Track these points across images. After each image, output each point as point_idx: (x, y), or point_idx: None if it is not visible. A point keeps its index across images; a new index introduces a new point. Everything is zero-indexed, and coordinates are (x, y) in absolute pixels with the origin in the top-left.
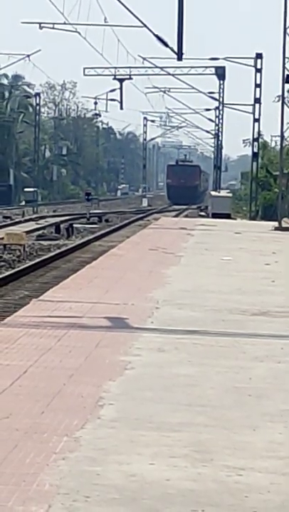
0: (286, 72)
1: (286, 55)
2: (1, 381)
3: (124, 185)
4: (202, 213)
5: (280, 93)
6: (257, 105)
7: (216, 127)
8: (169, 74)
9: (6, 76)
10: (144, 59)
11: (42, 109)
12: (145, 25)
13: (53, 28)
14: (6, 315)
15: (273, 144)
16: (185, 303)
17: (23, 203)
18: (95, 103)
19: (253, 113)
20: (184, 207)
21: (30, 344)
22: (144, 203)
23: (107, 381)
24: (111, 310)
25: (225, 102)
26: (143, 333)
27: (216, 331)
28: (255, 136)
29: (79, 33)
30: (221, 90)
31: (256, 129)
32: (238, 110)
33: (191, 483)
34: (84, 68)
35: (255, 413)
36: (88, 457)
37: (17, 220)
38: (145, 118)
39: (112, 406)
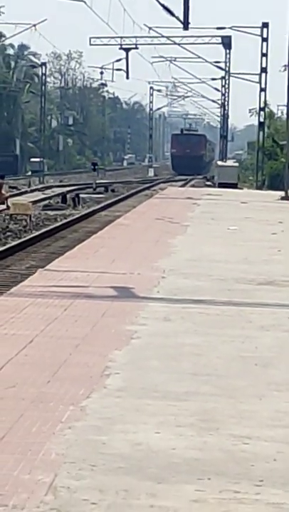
0: None
1: None
2: (7, 350)
3: (130, 155)
4: (208, 183)
5: (287, 62)
6: (263, 74)
7: (222, 97)
8: (175, 43)
9: (12, 46)
10: (150, 28)
11: (48, 79)
12: None
13: None
14: (12, 285)
15: (280, 114)
16: (191, 272)
17: (30, 173)
18: (101, 73)
19: (260, 82)
20: (191, 177)
21: (36, 314)
22: (151, 172)
23: (113, 350)
24: (117, 280)
25: (231, 71)
26: (149, 302)
27: (222, 301)
28: (262, 105)
29: (85, 3)
30: (227, 60)
31: (262, 99)
32: (245, 80)
33: (197, 452)
34: (90, 38)
35: (261, 382)
36: (94, 426)
37: (23, 190)
38: (151, 88)
39: (118, 375)
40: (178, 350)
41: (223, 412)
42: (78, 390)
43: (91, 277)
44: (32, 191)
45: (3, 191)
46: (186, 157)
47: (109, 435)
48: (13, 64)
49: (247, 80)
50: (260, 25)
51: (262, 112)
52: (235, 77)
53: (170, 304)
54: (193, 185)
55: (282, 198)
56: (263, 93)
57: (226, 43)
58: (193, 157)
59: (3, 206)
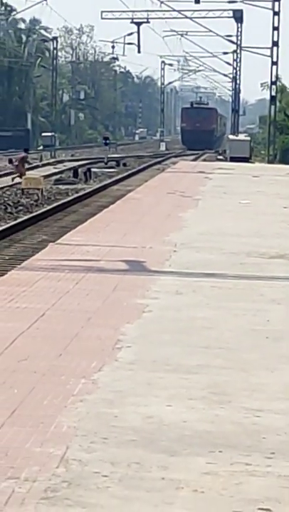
0: None
1: None
2: (19, 324)
3: (141, 130)
4: (220, 157)
5: None
6: (275, 48)
7: (234, 71)
8: (187, 17)
9: (23, 20)
10: (161, 2)
11: (59, 54)
12: None
13: None
14: (24, 259)
15: None
16: (203, 246)
17: (41, 147)
18: (113, 47)
19: (271, 56)
20: (202, 151)
21: (47, 287)
22: (162, 147)
23: (124, 324)
24: (128, 253)
25: (243, 45)
26: (160, 276)
27: (234, 274)
28: (273, 79)
29: None
30: (239, 33)
31: (274, 73)
32: (256, 53)
33: (209, 425)
34: (101, 12)
35: (273, 355)
36: (106, 399)
37: (35, 164)
38: (163, 62)
39: (129, 348)
40: (189, 323)
41: (235, 385)
42: (90, 363)
43: (102, 251)
44: (43, 165)
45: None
46: (196, 131)
47: (120, 408)
48: (24, 38)
49: (258, 53)
50: None
51: (273, 86)
52: (247, 50)
53: (181, 277)
54: (204, 160)
55: None
56: (274, 67)
57: (238, 16)
58: (203, 131)
59: (20, 180)
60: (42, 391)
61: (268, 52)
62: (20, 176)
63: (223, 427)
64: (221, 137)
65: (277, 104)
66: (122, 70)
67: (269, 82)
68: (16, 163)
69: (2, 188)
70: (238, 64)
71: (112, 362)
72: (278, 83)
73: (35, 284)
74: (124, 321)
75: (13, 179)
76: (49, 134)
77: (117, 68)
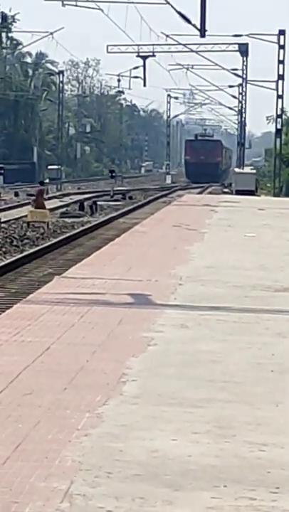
0: None
1: None
2: (24, 358)
3: (147, 163)
4: (226, 190)
5: None
6: (280, 82)
7: (240, 104)
8: (192, 51)
9: (29, 54)
10: (167, 36)
11: (65, 87)
12: (168, 2)
13: (76, 5)
14: (29, 292)
15: None
16: (208, 279)
17: (47, 180)
18: (119, 80)
19: (277, 89)
20: (208, 184)
21: (53, 321)
22: (168, 179)
23: (129, 357)
24: (134, 286)
25: (248, 78)
26: (166, 309)
27: (239, 307)
28: (279, 112)
29: (102, 11)
30: (244, 67)
31: (280, 106)
32: (262, 87)
33: (213, 459)
34: (107, 45)
35: (278, 389)
36: (110, 433)
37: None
38: (169, 95)
39: (134, 382)
40: (195, 357)
41: (240, 419)
42: (95, 396)
43: (108, 284)
44: (49, 199)
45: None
46: (200, 164)
47: (125, 442)
48: (30, 72)
49: (264, 87)
50: (277, 32)
51: (279, 119)
52: (253, 84)
53: (187, 310)
54: (210, 193)
55: None
56: (280, 100)
57: (243, 50)
58: (208, 164)
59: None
60: (46, 425)
61: (273, 85)
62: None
63: (227, 461)
64: (227, 170)
65: (283, 137)
66: (128, 103)
67: (274, 115)
68: (34, 198)
69: (8, 221)
70: (244, 97)
71: (117, 396)
72: (284, 116)
73: (40, 317)
74: (130, 355)
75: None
76: (55, 167)
77: (123, 101)
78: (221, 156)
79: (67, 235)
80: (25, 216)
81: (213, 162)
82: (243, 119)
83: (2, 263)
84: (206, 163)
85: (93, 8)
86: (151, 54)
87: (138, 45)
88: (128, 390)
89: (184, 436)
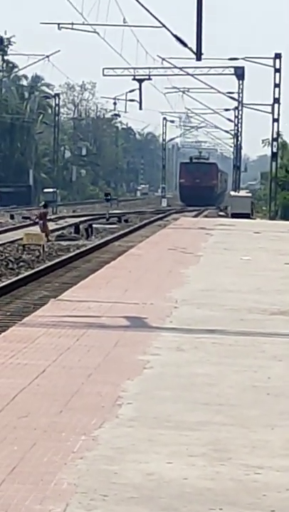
0: None
1: None
2: (20, 380)
3: (143, 186)
4: (222, 213)
5: None
6: (276, 105)
7: (235, 127)
8: (188, 74)
9: (25, 77)
10: (163, 59)
11: (61, 110)
12: (164, 26)
13: (72, 28)
14: (25, 315)
15: None
16: (204, 302)
17: (43, 203)
18: (114, 103)
19: (272, 113)
20: (203, 207)
21: (48, 343)
22: (164, 203)
23: (125, 380)
24: (130, 309)
25: (244, 102)
26: (162, 332)
27: (235, 331)
28: (275, 136)
29: (98, 34)
30: (240, 90)
31: (275, 129)
32: (258, 110)
33: (209, 482)
34: (103, 69)
35: (274, 412)
36: (106, 456)
37: (36, 220)
38: (164, 118)
39: (130, 405)
40: (190, 380)
41: (236, 442)
42: (90, 419)
43: (104, 307)
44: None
45: (47, 224)
46: (195, 187)
47: (121, 465)
48: (26, 95)
49: (260, 110)
50: (273, 56)
51: (275, 143)
52: (248, 107)
53: (183, 333)
54: (206, 216)
55: None
56: (275, 123)
57: (239, 73)
58: (203, 187)
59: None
60: (42, 448)
61: (269, 109)
62: (46, 234)
63: (223, 484)
64: (222, 194)
65: (279, 160)
66: (124, 126)
67: (270, 139)
68: (37, 220)
69: (3, 243)
70: (240, 120)
71: (112, 418)
72: (279, 140)
73: (36, 340)
74: (125, 378)
75: (48, 239)
76: (51, 190)
77: (118, 125)
78: (216, 179)
79: (63, 257)
80: (21, 239)
81: (208, 185)
82: (238, 142)
83: None
84: (201, 187)
85: (89, 32)
86: (147, 77)
87: (134, 69)
88: (124, 413)
89: (180, 459)
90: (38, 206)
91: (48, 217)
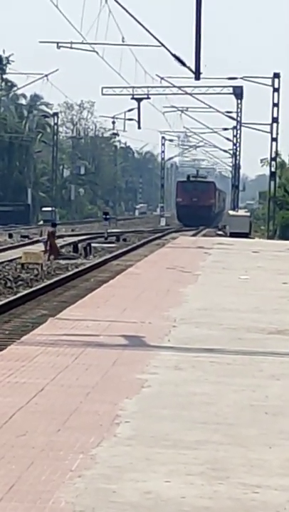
0: None
1: None
2: (18, 399)
3: (142, 205)
4: (220, 232)
5: None
6: (275, 124)
7: (234, 147)
8: (187, 93)
9: (24, 96)
10: (161, 78)
11: (60, 129)
12: (163, 45)
13: (71, 47)
14: (23, 333)
15: None
16: (202, 321)
17: (41, 222)
18: (113, 122)
19: (271, 132)
20: (202, 227)
21: (47, 362)
22: (162, 222)
23: (123, 399)
24: (128, 328)
25: (243, 121)
26: (160, 351)
27: (233, 349)
28: (273, 155)
29: (97, 53)
30: (239, 109)
31: (274, 149)
32: (256, 129)
33: (207, 501)
34: (102, 88)
35: (272, 431)
36: (104, 475)
37: (35, 239)
38: (163, 137)
39: (128, 424)
40: (188, 398)
41: (234, 461)
42: (88, 438)
43: (102, 326)
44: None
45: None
46: (192, 207)
47: (119, 484)
48: (25, 114)
49: (258, 129)
50: (272, 75)
51: (273, 162)
52: (247, 127)
53: (181, 352)
54: (204, 235)
55: None
56: (274, 143)
57: (238, 93)
58: (200, 207)
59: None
60: (40, 466)
61: (267, 128)
62: (57, 253)
63: (221, 503)
64: (220, 214)
65: (277, 180)
66: (123, 145)
67: (269, 158)
68: (46, 240)
69: (2, 262)
70: (238, 140)
71: (110, 437)
72: (278, 159)
73: (34, 358)
74: (123, 396)
75: (49, 258)
76: (49, 208)
77: (117, 143)
78: (214, 198)
79: (62, 276)
80: (20, 258)
81: (205, 205)
82: (237, 161)
83: None
84: (199, 206)
85: (88, 51)
86: (146, 96)
87: (133, 88)
88: (122, 432)
89: (178, 477)
90: (36, 225)
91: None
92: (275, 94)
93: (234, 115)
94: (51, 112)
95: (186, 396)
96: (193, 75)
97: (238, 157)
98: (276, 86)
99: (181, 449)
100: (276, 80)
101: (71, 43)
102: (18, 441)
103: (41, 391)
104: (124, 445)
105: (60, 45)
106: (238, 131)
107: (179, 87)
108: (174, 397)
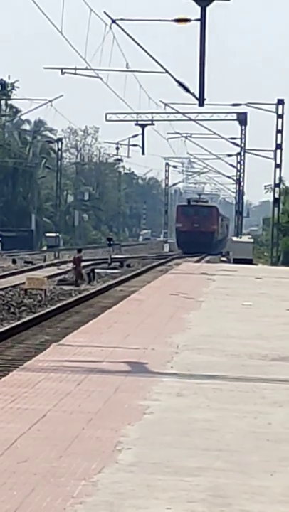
0: None
1: None
2: (20, 425)
3: (146, 231)
4: (224, 259)
5: None
6: (278, 151)
7: (238, 173)
8: (191, 119)
9: (28, 122)
10: (165, 104)
11: (64, 155)
12: (167, 71)
13: (75, 73)
14: (26, 359)
15: None
16: (205, 348)
17: (45, 248)
18: (117, 148)
19: (275, 159)
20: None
21: (49, 388)
22: (166, 248)
23: (125, 425)
24: (131, 354)
25: (246, 147)
26: (162, 377)
27: (236, 376)
28: (277, 182)
29: (101, 79)
30: (243, 136)
31: (278, 175)
32: (260, 156)
33: None
34: (106, 114)
35: (274, 458)
36: (105, 501)
37: (38, 264)
38: (167, 163)
39: (130, 450)
40: (190, 425)
41: (235, 488)
42: (90, 464)
43: (105, 352)
44: (47, 266)
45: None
46: (194, 233)
47: (120, 510)
48: (29, 139)
49: (262, 156)
50: (276, 102)
51: (277, 188)
52: (251, 153)
53: (183, 379)
54: (208, 261)
55: None
56: (278, 169)
57: (242, 119)
58: (202, 233)
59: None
60: (41, 493)
61: (271, 154)
62: (81, 277)
63: None
64: (223, 241)
65: (281, 206)
66: (127, 171)
67: (273, 185)
68: (75, 266)
69: (5, 288)
70: (242, 166)
71: (112, 464)
72: (282, 185)
73: (36, 385)
74: (125, 423)
75: (77, 282)
76: (53, 234)
77: (121, 169)
78: (216, 224)
79: (65, 302)
80: (23, 283)
81: (207, 231)
82: (241, 187)
83: None
84: (200, 232)
85: (92, 77)
86: (150, 122)
87: (137, 114)
88: (123, 458)
89: (179, 504)
90: (40, 250)
91: (51, 262)
92: (279, 120)
93: (238, 141)
94: (55, 138)
95: (188, 423)
96: (197, 101)
97: (241, 183)
98: (280, 112)
99: (183, 475)
100: (280, 107)
101: (75, 68)
102: (19, 467)
103: (43, 417)
104: (126, 472)
105: (64, 71)
106: (242, 158)
107: (183, 113)
108: (176, 423)
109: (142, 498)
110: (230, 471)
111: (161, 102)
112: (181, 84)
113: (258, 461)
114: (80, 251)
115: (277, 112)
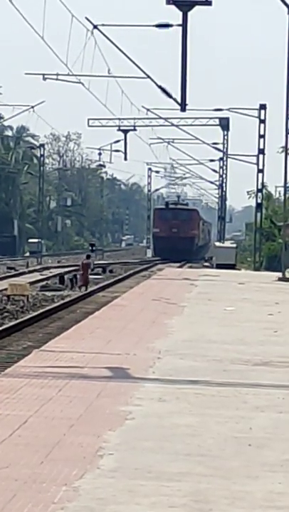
0: None
1: None
2: (1, 431)
3: (128, 236)
4: (206, 264)
5: (284, 144)
6: (261, 156)
7: (220, 178)
8: (173, 125)
9: (10, 128)
10: (148, 110)
11: (46, 160)
12: (149, 77)
13: (57, 79)
14: (8, 365)
15: (277, 195)
16: (187, 353)
17: (28, 253)
18: (100, 154)
19: (257, 164)
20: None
21: (30, 394)
22: (149, 253)
23: (107, 431)
24: (113, 360)
25: (229, 152)
26: (144, 383)
27: (218, 381)
28: (259, 187)
29: (83, 84)
30: (225, 141)
31: (260, 180)
32: (242, 161)
33: None
34: (88, 119)
35: (255, 463)
36: (87, 507)
37: (21, 270)
38: (149, 169)
39: (111, 456)
40: (172, 430)
41: (217, 493)
42: (71, 470)
43: (87, 358)
44: (30, 272)
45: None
46: (172, 238)
47: None
48: (12, 145)
49: (245, 161)
50: (258, 107)
51: (259, 194)
52: (233, 158)
53: (165, 384)
54: (191, 266)
55: (280, 279)
56: (260, 174)
57: (224, 124)
58: (181, 238)
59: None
60: (22, 499)
61: (254, 159)
62: (86, 284)
63: None
64: (205, 247)
65: (264, 211)
66: (109, 176)
67: (255, 190)
68: (82, 273)
69: None
70: (225, 171)
71: (93, 469)
72: (264, 191)
73: (18, 390)
74: (107, 428)
75: (80, 288)
76: (36, 240)
77: (104, 175)
78: (197, 228)
79: (47, 308)
80: (5, 289)
81: (187, 236)
82: (223, 193)
83: None
84: (179, 238)
85: (74, 82)
86: (132, 128)
87: (119, 119)
88: (105, 464)
89: (161, 509)
90: (22, 256)
91: (33, 268)
92: (262, 125)
93: (220, 146)
94: (37, 144)
95: (170, 428)
96: (179, 107)
97: (224, 188)
98: (262, 117)
99: (164, 481)
100: (262, 112)
101: (57, 74)
102: (0, 473)
103: (25, 423)
104: (108, 477)
105: (46, 76)
106: (225, 163)
107: (165, 119)
108: (158, 429)
109: (123, 504)
110: (212, 476)
111: (144, 107)
112: (163, 90)
113: (240, 466)
114: (88, 257)
115: (259, 117)
